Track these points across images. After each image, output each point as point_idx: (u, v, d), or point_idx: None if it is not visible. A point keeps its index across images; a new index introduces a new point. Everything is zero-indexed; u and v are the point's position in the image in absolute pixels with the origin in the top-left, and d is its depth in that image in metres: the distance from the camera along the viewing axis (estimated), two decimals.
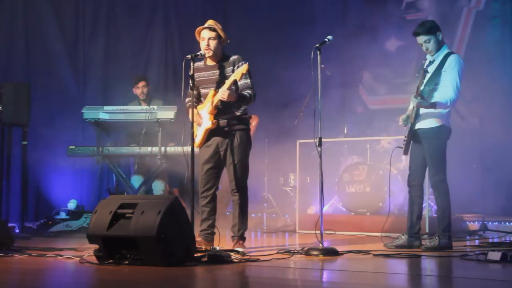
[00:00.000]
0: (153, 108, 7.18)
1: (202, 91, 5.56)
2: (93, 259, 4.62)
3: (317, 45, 5.37)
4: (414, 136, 5.78)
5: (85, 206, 7.74)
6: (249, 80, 5.40)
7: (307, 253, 5.18)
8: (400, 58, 9.28)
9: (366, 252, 5.32)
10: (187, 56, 5.28)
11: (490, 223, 7.50)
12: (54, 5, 8.92)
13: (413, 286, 3.98)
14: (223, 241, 5.69)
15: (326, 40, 5.40)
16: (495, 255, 4.63)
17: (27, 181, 7.69)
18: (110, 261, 4.48)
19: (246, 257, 4.92)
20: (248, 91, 5.39)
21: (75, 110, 7.72)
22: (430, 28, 5.69)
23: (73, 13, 9.18)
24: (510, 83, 8.75)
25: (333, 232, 7.34)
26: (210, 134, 5.49)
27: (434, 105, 5.60)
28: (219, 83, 5.43)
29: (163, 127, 7.17)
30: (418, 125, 5.76)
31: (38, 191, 8.54)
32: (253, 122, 8.33)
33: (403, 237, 5.84)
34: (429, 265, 4.89)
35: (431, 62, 5.77)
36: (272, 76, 9.24)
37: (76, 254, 5.04)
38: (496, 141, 8.04)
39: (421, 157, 5.79)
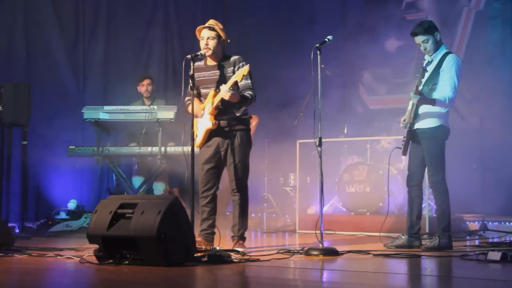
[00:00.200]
0: (153, 108, 7.18)
1: (202, 91, 5.56)
2: (93, 259, 4.62)
3: (317, 45, 5.37)
4: (412, 136, 5.78)
5: (85, 206, 7.74)
6: (249, 81, 5.39)
7: (307, 253, 5.18)
8: (400, 58, 9.27)
9: (366, 252, 5.32)
10: (187, 56, 5.29)
11: (490, 223, 7.50)
12: (54, 5, 8.91)
13: (413, 286, 3.98)
14: (223, 241, 5.69)
15: (326, 40, 5.40)
16: (495, 255, 4.63)
17: (27, 181, 7.69)
18: (110, 261, 4.48)
19: (246, 257, 4.92)
20: (249, 92, 5.39)
21: (75, 110, 7.72)
22: (428, 28, 5.71)
23: (73, 13, 9.18)
24: (510, 83, 8.75)
25: (333, 232, 7.34)
26: (210, 134, 5.49)
27: (433, 102, 5.61)
28: (219, 83, 5.43)
29: (163, 127, 7.17)
30: (417, 125, 5.76)
31: (38, 191, 8.54)
32: (253, 122, 8.32)
33: (403, 237, 5.84)
34: (429, 265, 4.89)
35: (429, 62, 5.78)
36: (272, 76, 9.23)
37: (76, 254, 5.04)
38: (496, 141, 8.04)
39: (420, 157, 5.79)
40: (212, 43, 5.41)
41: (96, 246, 4.59)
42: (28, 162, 7.51)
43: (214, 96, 5.39)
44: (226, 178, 5.61)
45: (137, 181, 7.77)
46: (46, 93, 8.54)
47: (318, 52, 5.36)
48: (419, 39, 5.72)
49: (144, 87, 7.95)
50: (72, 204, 7.71)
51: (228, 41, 5.50)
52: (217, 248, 5.11)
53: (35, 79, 8.26)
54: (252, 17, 10.54)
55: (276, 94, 9.37)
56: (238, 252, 5.06)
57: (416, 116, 5.74)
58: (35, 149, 7.92)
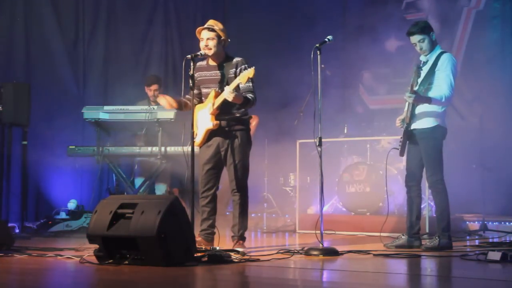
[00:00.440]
0: (153, 108, 7.18)
1: (203, 90, 5.56)
2: (93, 259, 4.62)
3: (317, 45, 5.37)
4: (409, 136, 5.78)
5: (85, 206, 7.74)
6: (251, 84, 5.39)
7: (307, 253, 5.18)
8: (400, 58, 9.26)
9: (366, 252, 5.32)
10: (187, 56, 5.29)
11: (490, 223, 7.50)
12: (54, 5, 8.91)
13: (413, 286, 3.98)
14: (223, 241, 5.69)
15: (326, 40, 5.40)
16: (495, 255, 4.63)
17: (27, 181, 7.69)
18: (110, 261, 4.48)
19: (246, 257, 4.92)
20: (250, 94, 5.39)
21: (75, 110, 7.73)
22: (424, 28, 5.72)
23: (73, 13, 9.17)
24: (510, 83, 8.75)
25: (333, 232, 7.34)
26: (210, 134, 5.49)
27: (429, 100, 5.61)
28: (221, 84, 5.44)
29: (163, 127, 7.17)
30: (414, 125, 5.76)
31: (38, 191, 8.53)
32: (253, 122, 8.32)
33: (403, 237, 5.84)
34: (429, 265, 4.89)
35: (424, 63, 5.80)
36: (272, 76, 9.23)
37: (76, 254, 5.04)
38: (496, 141, 8.04)
39: (418, 157, 5.79)
40: (212, 44, 5.41)
41: (96, 246, 4.59)
42: (28, 162, 7.51)
43: (215, 96, 5.39)
44: (226, 178, 5.61)
45: (139, 182, 7.76)
46: (46, 93, 8.54)
47: (318, 52, 5.36)
48: (415, 38, 5.73)
49: (151, 91, 7.93)
50: (72, 204, 7.71)
51: (229, 40, 5.50)
52: (217, 248, 5.11)
53: (35, 79, 8.26)
54: (252, 17, 10.54)
55: (276, 94, 9.36)
56: (238, 252, 5.06)
57: (412, 116, 5.74)
58: (35, 149, 7.92)
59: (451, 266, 4.79)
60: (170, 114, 7.07)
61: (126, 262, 4.43)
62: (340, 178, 7.94)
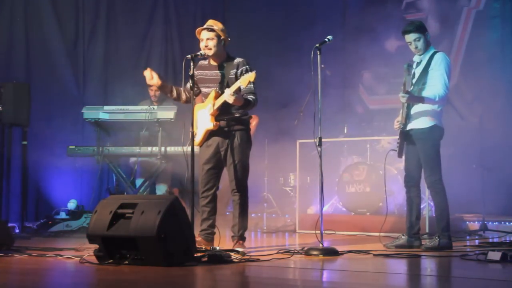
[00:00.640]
0: (153, 108, 7.18)
1: (203, 90, 5.57)
2: (93, 259, 4.62)
3: (317, 45, 5.37)
4: (406, 137, 5.78)
5: (85, 206, 7.74)
6: (252, 86, 5.39)
7: (307, 253, 5.18)
8: (400, 58, 9.24)
9: (366, 252, 5.32)
10: (187, 56, 5.29)
11: (490, 223, 7.49)
12: (54, 5, 8.91)
13: (413, 286, 3.98)
14: (223, 241, 5.69)
15: (326, 40, 5.40)
16: (495, 255, 4.63)
17: (27, 181, 7.69)
18: (110, 261, 4.48)
19: (246, 257, 4.92)
20: (251, 96, 5.39)
21: (75, 110, 7.73)
22: (419, 27, 5.73)
23: (73, 13, 9.17)
24: (510, 83, 8.75)
25: (333, 232, 7.34)
26: (210, 134, 5.49)
27: (422, 100, 5.62)
28: (221, 84, 5.44)
29: (163, 127, 7.17)
30: (410, 126, 5.76)
31: (38, 191, 8.53)
32: (253, 122, 8.32)
33: (403, 237, 5.83)
34: (429, 265, 4.89)
35: (418, 63, 5.80)
36: (272, 76, 9.23)
37: (76, 254, 5.04)
38: (496, 141, 8.04)
39: (417, 157, 5.79)
40: (211, 44, 5.41)
41: (96, 246, 4.59)
42: (28, 162, 7.51)
43: (216, 97, 5.39)
44: (226, 178, 5.61)
45: (140, 183, 7.76)
46: (46, 93, 8.54)
47: (318, 52, 5.36)
48: (411, 37, 5.73)
49: (152, 91, 7.92)
50: (72, 204, 7.71)
51: (229, 39, 5.50)
52: (217, 248, 5.11)
53: (35, 79, 8.26)
54: (252, 17, 10.55)
55: (276, 94, 9.36)
56: (238, 252, 5.06)
57: (408, 117, 5.74)
58: (35, 149, 7.92)
59: (451, 266, 4.79)
60: (170, 114, 7.07)
61: (126, 262, 4.43)
62: (340, 178, 7.94)
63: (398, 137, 5.83)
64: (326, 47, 5.42)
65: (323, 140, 5.37)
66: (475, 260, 4.79)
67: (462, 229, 7.46)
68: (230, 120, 5.46)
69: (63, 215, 7.45)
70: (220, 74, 5.48)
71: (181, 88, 5.58)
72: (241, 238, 5.50)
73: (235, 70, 5.43)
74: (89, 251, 4.87)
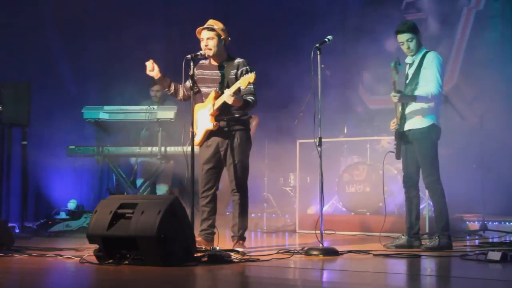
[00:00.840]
0: (153, 108, 7.18)
1: (203, 89, 5.57)
2: (93, 259, 4.62)
3: (317, 45, 5.37)
4: (403, 137, 5.77)
5: (85, 206, 7.74)
6: (252, 86, 5.39)
7: (307, 253, 5.18)
8: (400, 58, 9.27)
9: (366, 252, 5.31)
10: (187, 56, 5.28)
11: (490, 223, 7.50)
12: (54, 5, 8.91)
13: (413, 286, 3.98)
14: (223, 241, 5.69)
15: (326, 40, 5.40)
16: (495, 255, 4.63)
17: (27, 181, 7.69)
18: (110, 261, 4.48)
19: (246, 257, 4.92)
20: (251, 97, 5.39)
21: (75, 110, 7.73)
22: (412, 28, 5.74)
23: (73, 13, 9.17)
24: (510, 83, 8.75)
25: (333, 232, 7.34)
26: (210, 134, 5.49)
27: (414, 98, 5.61)
28: (221, 84, 5.44)
29: (163, 127, 7.17)
30: (407, 126, 5.75)
31: (38, 191, 8.54)
32: (253, 122, 8.32)
33: (403, 237, 5.83)
34: (429, 265, 4.89)
35: (410, 65, 5.81)
36: (272, 76, 9.23)
37: (76, 254, 5.04)
38: (496, 141, 8.05)
39: (414, 157, 5.78)
40: (211, 43, 5.41)
41: (96, 246, 4.59)
42: (28, 162, 7.51)
43: (216, 97, 5.39)
44: (226, 178, 5.61)
45: (140, 183, 7.76)
46: (46, 93, 8.54)
47: (318, 52, 5.35)
48: (404, 37, 5.73)
49: (153, 92, 7.93)
50: (72, 204, 7.71)
51: (229, 39, 5.50)
52: (217, 248, 5.11)
53: (35, 79, 8.25)
54: (253, 17, 10.55)
55: (276, 94, 9.36)
56: (238, 252, 5.06)
57: (404, 117, 5.74)
58: (35, 149, 7.92)
59: (451, 266, 4.78)
60: (170, 114, 7.08)
61: (126, 262, 4.43)
62: (340, 178, 7.94)
63: (394, 139, 5.82)
64: (326, 47, 5.42)
65: (323, 140, 5.37)
66: (475, 260, 4.79)
67: (462, 229, 7.46)
68: (230, 120, 5.46)
69: (63, 215, 7.45)
70: (220, 74, 5.48)
71: (180, 85, 5.58)
72: (241, 238, 5.50)
73: (235, 70, 5.43)
74: (89, 251, 4.87)
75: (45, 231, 7.20)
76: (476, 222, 7.58)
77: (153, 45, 10.12)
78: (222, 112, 5.42)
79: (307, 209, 8.26)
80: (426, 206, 6.98)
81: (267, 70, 9.01)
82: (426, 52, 5.73)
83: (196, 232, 5.02)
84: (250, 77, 5.17)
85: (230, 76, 5.42)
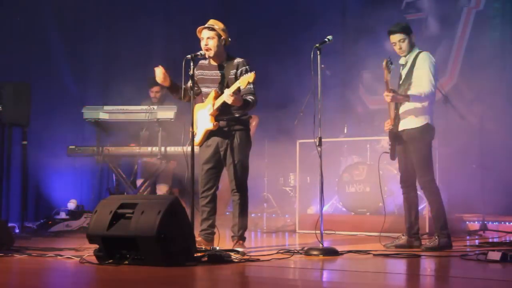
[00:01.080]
0: (153, 108, 7.18)
1: (203, 90, 5.57)
2: (93, 259, 4.62)
3: (317, 45, 5.37)
4: (397, 138, 5.77)
5: (85, 206, 7.75)
6: (252, 86, 5.39)
7: (307, 253, 5.18)
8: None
9: (366, 252, 5.32)
10: (187, 56, 5.28)
11: (490, 223, 7.50)
12: (54, 5, 8.91)
13: (413, 286, 3.98)
14: (223, 241, 5.69)
15: (326, 40, 5.40)
16: (495, 255, 4.63)
17: (27, 181, 7.69)
18: (110, 261, 4.48)
19: (246, 257, 4.92)
20: (251, 96, 5.39)
21: (75, 110, 7.73)
22: (405, 28, 5.76)
23: (73, 13, 9.18)
24: (510, 83, 8.75)
25: (333, 232, 7.34)
26: (210, 134, 5.49)
27: (408, 98, 5.61)
28: (221, 84, 5.44)
29: (163, 127, 7.17)
30: (402, 126, 5.75)
31: (38, 191, 8.54)
32: (253, 122, 8.33)
33: (403, 237, 5.83)
34: (429, 265, 4.89)
35: (403, 66, 5.81)
36: (272, 76, 9.23)
37: (76, 254, 5.04)
38: (496, 141, 8.04)
39: (410, 157, 5.78)
40: (212, 43, 5.41)
41: (96, 246, 4.59)
42: (28, 162, 7.52)
43: (215, 97, 5.39)
44: (226, 178, 5.61)
45: (140, 183, 7.76)
46: (46, 93, 8.55)
47: (318, 52, 5.35)
48: (396, 37, 5.75)
49: (153, 93, 7.93)
50: (72, 204, 7.71)
51: (229, 39, 5.50)
52: (217, 248, 5.11)
53: (35, 79, 8.26)
54: (253, 17, 10.55)
55: (276, 94, 9.35)
56: (238, 252, 5.06)
57: (398, 117, 5.74)
58: (35, 149, 7.92)
59: (451, 266, 4.78)
60: (170, 114, 7.08)
61: (126, 262, 4.43)
62: (340, 178, 7.94)
63: (388, 140, 5.83)
64: (326, 47, 5.42)
65: (323, 140, 5.37)
66: (475, 260, 4.79)
67: (462, 229, 7.46)
68: (230, 120, 5.46)
69: (63, 215, 7.45)
70: (220, 74, 5.48)
71: (183, 86, 5.57)
72: (241, 238, 5.50)
73: (235, 70, 5.43)
74: (89, 251, 4.87)
75: (45, 231, 7.20)
76: (476, 222, 7.57)
77: (153, 45, 10.15)
78: (222, 112, 5.42)
79: (307, 209, 8.26)
80: (426, 206, 6.98)
81: (267, 70, 9.01)
82: (419, 53, 5.75)
83: (196, 232, 5.02)
84: (250, 76, 5.18)
85: (229, 76, 5.43)
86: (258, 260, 4.82)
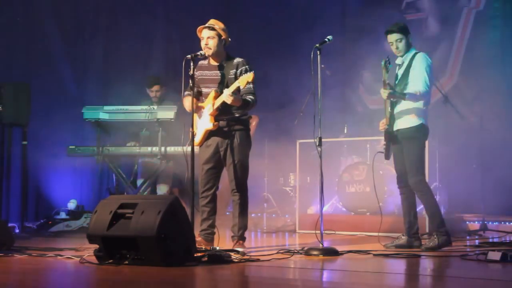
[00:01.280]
0: (153, 108, 7.18)
1: (203, 90, 5.57)
2: (93, 259, 4.62)
3: (317, 45, 5.37)
4: (392, 138, 5.78)
5: (85, 206, 7.74)
6: (251, 86, 5.39)
7: (307, 253, 5.18)
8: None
9: (366, 252, 5.32)
10: (187, 56, 5.28)
11: (490, 223, 7.49)
12: (54, 4, 8.91)
13: (413, 286, 3.98)
14: (223, 241, 5.69)
15: (326, 40, 5.40)
16: (495, 255, 4.63)
17: (27, 181, 7.69)
18: (110, 261, 4.48)
19: (246, 257, 4.92)
20: (251, 96, 5.40)
21: (75, 110, 7.73)
22: (402, 28, 5.77)
23: (73, 13, 9.18)
24: (510, 83, 8.75)
25: (333, 232, 7.34)
26: (210, 134, 5.49)
27: (404, 96, 5.62)
28: (221, 84, 5.44)
29: (163, 127, 7.17)
30: (397, 126, 5.76)
31: (38, 191, 8.54)
32: (253, 122, 8.32)
33: (403, 237, 5.83)
34: (429, 265, 4.89)
35: (400, 66, 5.82)
36: (272, 76, 9.23)
37: (76, 254, 5.04)
38: (496, 141, 8.04)
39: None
40: (212, 43, 5.41)
41: (96, 246, 4.59)
42: (28, 162, 7.52)
43: (215, 97, 5.39)
44: (226, 178, 5.61)
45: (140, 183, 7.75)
46: (46, 93, 8.54)
47: (318, 52, 5.36)
48: (393, 37, 5.76)
49: (153, 92, 7.92)
50: (72, 204, 7.71)
51: (229, 39, 5.50)
52: (217, 248, 5.11)
53: (35, 79, 8.26)
54: (253, 17, 10.55)
55: (276, 94, 9.36)
56: (238, 252, 5.06)
57: (392, 117, 5.74)
58: (35, 149, 7.92)
59: (451, 266, 4.79)
60: (170, 114, 7.07)
61: (126, 262, 4.43)
62: (340, 178, 7.94)
63: (384, 141, 5.83)
64: (326, 47, 5.42)
65: (323, 140, 5.37)
66: (475, 260, 4.79)
67: (462, 229, 7.45)
68: (230, 120, 5.46)
69: (63, 215, 7.45)
70: (220, 74, 5.48)
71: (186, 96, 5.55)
72: (241, 238, 5.50)
73: (234, 70, 5.43)
74: (89, 251, 4.87)
75: (45, 231, 7.20)
76: (476, 222, 7.57)
77: (153, 45, 10.15)
78: (222, 112, 5.42)
79: (307, 209, 8.25)
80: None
81: (267, 70, 9.02)
82: (416, 54, 5.77)
83: (196, 232, 5.02)
84: (249, 76, 5.18)
85: (229, 76, 5.43)
86: (258, 260, 4.82)
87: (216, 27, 5.42)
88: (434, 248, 5.54)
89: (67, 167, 8.33)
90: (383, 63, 5.66)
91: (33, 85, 7.57)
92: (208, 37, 5.41)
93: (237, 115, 5.46)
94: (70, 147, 7.35)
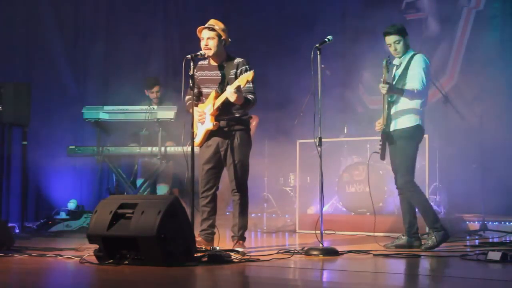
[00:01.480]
0: (153, 108, 7.18)
1: (204, 90, 5.57)
2: (93, 259, 4.62)
3: (317, 45, 5.37)
4: (388, 138, 5.78)
5: (85, 206, 7.74)
6: (251, 85, 5.39)
7: (307, 253, 5.18)
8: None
9: (366, 252, 5.32)
10: (187, 56, 5.28)
11: (490, 223, 7.49)
12: (54, 4, 8.91)
13: (413, 286, 3.98)
14: (223, 241, 5.69)
15: (326, 40, 5.41)
16: (495, 255, 4.63)
17: (27, 181, 7.69)
18: (110, 261, 4.48)
19: (246, 257, 4.92)
20: (251, 95, 5.40)
21: (75, 110, 7.73)
22: (400, 30, 5.78)
23: (73, 13, 9.18)
24: (510, 83, 8.75)
25: (333, 232, 7.33)
26: (210, 134, 5.49)
27: (402, 92, 5.64)
28: (221, 84, 5.44)
29: (163, 127, 7.17)
30: (393, 126, 5.77)
31: (38, 191, 8.54)
32: (253, 122, 8.32)
33: (403, 237, 5.84)
34: (428, 265, 4.89)
35: (398, 66, 5.83)
36: (272, 76, 9.23)
37: (76, 254, 5.04)
38: (496, 141, 8.04)
39: None
40: (212, 43, 5.41)
41: (96, 246, 4.59)
42: (28, 162, 7.51)
43: (216, 97, 5.39)
44: (226, 178, 5.61)
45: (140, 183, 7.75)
46: (46, 93, 8.55)
47: (318, 52, 5.36)
48: (391, 38, 5.78)
49: (153, 94, 7.93)
50: (72, 204, 7.71)
51: (229, 40, 5.50)
52: (217, 248, 5.11)
53: (35, 79, 8.26)
54: (253, 18, 10.54)
55: (276, 94, 9.36)
56: (238, 252, 5.06)
57: (390, 117, 5.75)
58: (35, 149, 7.92)
59: (451, 266, 4.79)
60: (170, 114, 7.07)
61: (126, 262, 4.44)
62: (340, 178, 7.94)
63: (379, 141, 5.84)
64: (326, 47, 5.43)
65: (323, 140, 5.38)
66: (475, 260, 4.79)
67: (462, 229, 7.45)
68: (230, 120, 5.46)
69: (63, 215, 7.45)
70: (220, 74, 5.48)
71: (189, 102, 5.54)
72: (241, 238, 5.50)
73: (235, 70, 5.43)
74: (89, 251, 4.87)
75: (45, 231, 7.20)
76: (476, 222, 7.57)
77: (153, 45, 10.15)
78: (223, 112, 5.42)
79: (307, 209, 8.25)
80: None
81: (267, 70, 9.01)
82: (414, 55, 5.78)
83: (196, 232, 5.02)
84: (248, 75, 5.18)
85: (229, 76, 5.43)
86: (258, 260, 4.83)
87: (216, 27, 5.42)
88: (433, 247, 5.55)
89: (67, 167, 8.33)
90: (384, 62, 5.68)
91: (33, 85, 7.57)
92: (208, 37, 5.41)
93: (237, 115, 5.46)
94: (70, 147, 7.35)
